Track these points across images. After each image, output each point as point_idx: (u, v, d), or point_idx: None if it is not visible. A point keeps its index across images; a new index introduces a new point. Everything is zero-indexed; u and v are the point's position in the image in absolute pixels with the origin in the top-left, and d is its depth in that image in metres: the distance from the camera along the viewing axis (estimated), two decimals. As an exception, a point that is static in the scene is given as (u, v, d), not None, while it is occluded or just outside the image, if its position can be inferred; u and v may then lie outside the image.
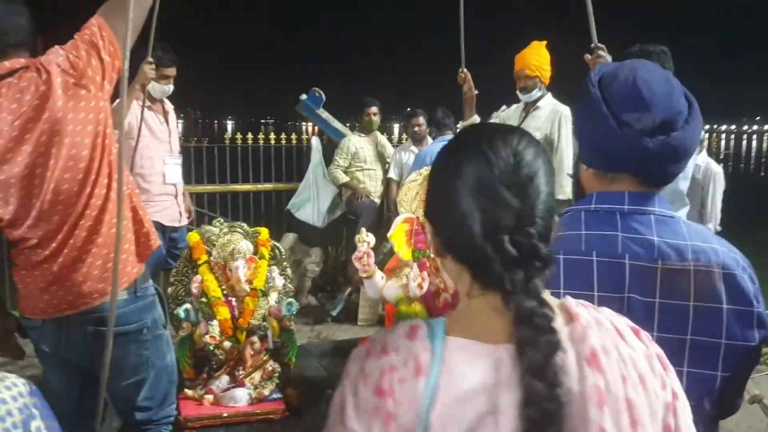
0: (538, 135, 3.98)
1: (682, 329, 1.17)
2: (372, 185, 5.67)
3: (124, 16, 1.84)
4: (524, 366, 0.78)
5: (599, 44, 2.73)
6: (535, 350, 0.78)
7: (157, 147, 3.96)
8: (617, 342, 0.85)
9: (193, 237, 3.57)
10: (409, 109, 5.93)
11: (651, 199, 1.23)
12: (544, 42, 4.08)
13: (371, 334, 3.04)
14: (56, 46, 1.87)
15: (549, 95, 4.14)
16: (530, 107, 4.14)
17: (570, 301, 0.89)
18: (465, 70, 4.06)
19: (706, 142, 4.59)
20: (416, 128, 5.59)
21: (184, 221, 4.26)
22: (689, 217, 4.28)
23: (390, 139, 6.32)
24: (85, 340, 1.93)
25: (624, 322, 0.90)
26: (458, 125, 4.69)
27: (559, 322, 0.84)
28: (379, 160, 5.74)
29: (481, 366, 0.81)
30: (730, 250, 1.23)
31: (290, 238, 5.73)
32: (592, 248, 1.18)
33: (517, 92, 4.12)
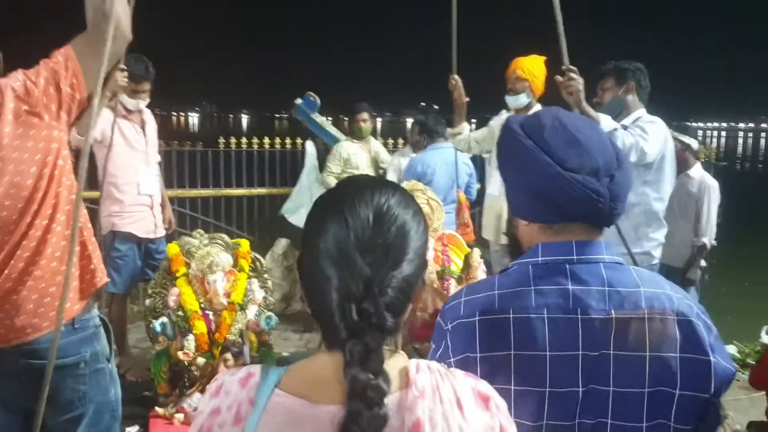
0: None
1: (639, 382, 1.12)
2: None
3: (94, 50, 1.81)
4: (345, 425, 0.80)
5: (571, 66, 2.73)
6: (360, 424, 0.79)
7: (132, 157, 3.89)
8: (449, 413, 0.84)
9: (173, 249, 3.53)
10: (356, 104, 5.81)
11: (599, 246, 1.19)
12: (544, 58, 3.99)
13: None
14: (19, 70, 1.82)
15: (537, 107, 4.04)
16: None
17: (413, 366, 0.88)
18: (456, 77, 3.99)
19: (701, 154, 4.48)
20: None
21: (161, 233, 4.19)
22: (683, 231, 4.21)
23: (386, 144, 6.25)
24: (17, 373, 1.87)
25: (470, 390, 0.88)
26: (448, 131, 4.60)
27: (394, 388, 0.84)
28: (373, 166, 5.66)
29: (296, 423, 0.83)
30: (683, 296, 1.19)
31: (283, 243, 5.69)
32: (543, 304, 1.14)
33: (505, 96, 4.02)
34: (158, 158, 4.37)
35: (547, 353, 1.12)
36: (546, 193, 1.16)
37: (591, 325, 1.12)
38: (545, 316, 1.13)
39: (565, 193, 1.13)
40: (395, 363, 0.88)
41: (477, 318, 1.15)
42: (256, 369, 0.90)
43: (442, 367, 0.90)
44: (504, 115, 4.19)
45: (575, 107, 2.77)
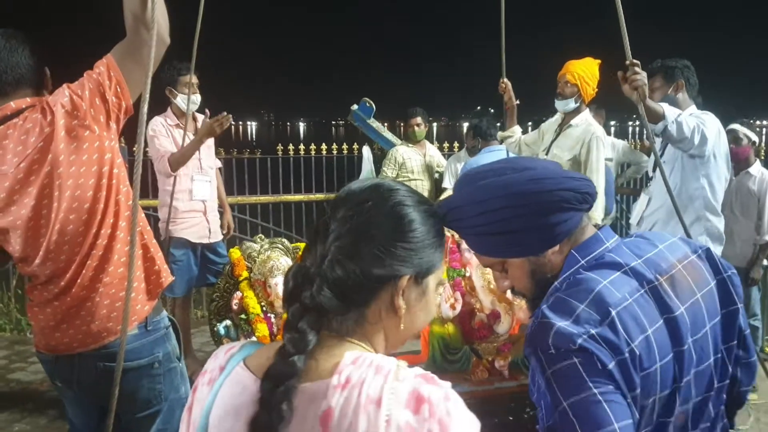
0: (568, 155, 3.87)
1: (702, 322, 1.23)
2: None
3: (135, 57, 1.85)
4: (258, 401, 0.87)
5: (634, 60, 2.64)
6: (269, 400, 0.85)
7: (186, 165, 3.99)
8: (363, 408, 0.83)
9: (235, 253, 3.62)
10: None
11: (609, 229, 1.30)
12: (599, 61, 3.94)
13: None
14: (64, 85, 1.87)
15: (586, 112, 4.00)
16: (564, 124, 4.01)
17: (349, 357, 0.89)
18: (506, 80, 3.98)
19: (761, 150, 4.33)
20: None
21: (216, 237, 4.28)
22: (745, 230, 4.10)
23: (441, 148, 6.27)
24: (97, 376, 1.96)
25: (406, 390, 0.84)
26: (499, 134, 4.60)
27: (318, 375, 0.88)
28: (427, 170, 5.68)
29: (242, 393, 0.90)
30: (682, 236, 1.35)
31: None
32: (624, 293, 1.16)
33: (555, 99, 3.99)
34: (218, 164, 4.49)
35: (650, 332, 1.15)
36: (564, 200, 1.20)
37: (657, 293, 1.19)
38: (631, 301, 1.16)
39: (575, 188, 1.21)
40: (338, 351, 0.91)
41: (594, 331, 1.10)
42: (236, 344, 0.99)
43: (393, 364, 0.88)
44: (555, 118, 4.16)
45: (639, 102, 2.72)
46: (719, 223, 3.34)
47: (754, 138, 4.15)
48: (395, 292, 0.96)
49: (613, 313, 1.11)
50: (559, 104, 3.98)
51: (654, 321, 1.16)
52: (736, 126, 4.08)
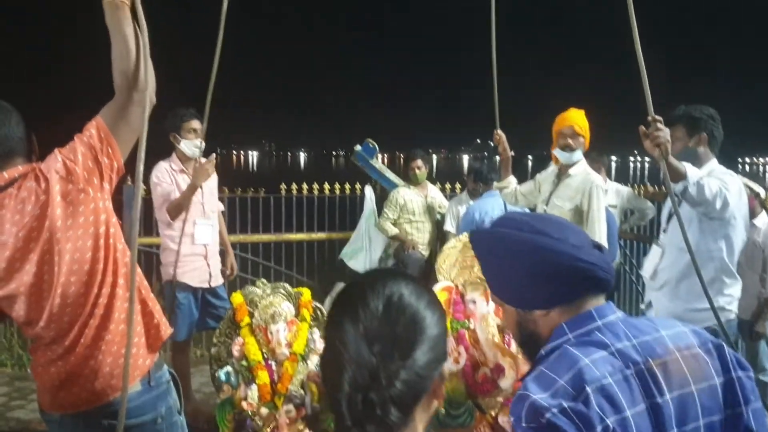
0: (569, 205, 3.84)
1: (694, 415, 1.21)
2: (420, 237, 5.64)
3: (124, 117, 1.87)
4: None
5: (657, 116, 2.60)
6: None
7: (189, 210, 3.99)
8: None
9: (237, 298, 3.60)
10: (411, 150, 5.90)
11: (610, 307, 1.30)
12: (582, 111, 3.96)
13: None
14: (56, 150, 1.88)
15: (583, 161, 3.98)
16: (563, 174, 3.98)
17: None
18: (500, 131, 4.00)
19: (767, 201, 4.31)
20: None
21: (217, 281, 4.28)
22: (750, 282, 4.05)
23: (443, 188, 6.29)
24: None
25: None
26: (494, 184, 4.61)
27: None
28: (428, 212, 5.70)
29: None
30: (694, 328, 1.31)
31: (341, 287, 5.74)
32: (604, 372, 1.18)
33: (558, 151, 3.93)
34: (221, 207, 4.50)
35: (628, 413, 1.15)
36: (568, 273, 1.25)
37: (643, 376, 1.19)
38: (611, 380, 1.17)
39: (586, 266, 1.24)
40: None
41: (566, 405, 1.14)
42: None
43: None
44: (551, 169, 4.13)
45: (660, 160, 2.64)
46: (735, 286, 3.15)
47: (758, 189, 4.17)
48: (436, 386, 0.97)
49: (588, 389, 1.14)
50: (564, 156, 3.91)
51: (635, 403, 1.17)
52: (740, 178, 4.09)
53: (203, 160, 4.03)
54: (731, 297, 3.11)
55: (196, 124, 4.02)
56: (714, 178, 2.97)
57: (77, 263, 1.86)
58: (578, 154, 3.91)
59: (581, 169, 3.94)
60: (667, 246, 3.28)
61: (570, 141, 3.86)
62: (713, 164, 3.16)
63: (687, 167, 2.81)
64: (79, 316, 1.89)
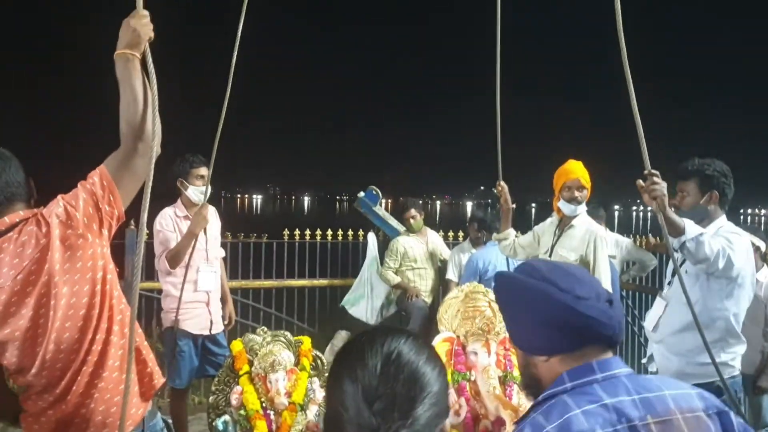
0: (573, 256, 3.83)
1: None
2: (423, 284, 5.64)
3: (127, 167, 1.92)
4: None
5: (653, 170, 2.63)
6: None
7: (192, 257, 3.97)
8: None
9: (236, 346, 3.58)
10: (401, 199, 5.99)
11: (616, 361, 1.31)
12: (579, 161, 3.99)
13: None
14: (58, 196, 1.92)
15: (584, 213, 3.98)
16: (565, 225, 3.97)
17: None
18: (502, 183, 4.03)
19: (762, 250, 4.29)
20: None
21: (218, 329, 4.24)
22: (752, 336, 3.99)
23: (445, 237, 6.30)
24: None
25: None
26: (494, 236, 4.62)
27: None
28: (430, 258, 5.71)
29: None
30: (702, 391, 1.30)
31: (343, 335, 5.70)
32: (593, 425, 1.19)
33: (563, 203, 3.93)
34: (222, 253, 4.50)
35: None
36: (565, 323, 1.28)
37: None
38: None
39: (583, 319, 1.26)
40: None
41: None
42: None
43: None
44: (550, 220, 4.14)
45: (658, 212, 2.65)
46: (740, 345, 3.07)
47: (759, 243, 4.16)
48: None
49: None
50: (569, 208, 3.90)
51: None
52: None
53: (210, 207, 4.07)
54: (735, 354, 3.04)
55: (203, 171, 4.05)
56: (720, 236, 2.93)
57: (73, 308, 1.86)
58: (583, 207, 3.92)
59: (584, 219, 3.95)
60: (671, 300, 3.22)
61: (576, 194, 3.85)
62: (721, 221, 3.10)
63: (686, 223, 2.79)
64: (72, 363, 1.88)
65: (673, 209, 2.97)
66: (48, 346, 1.85)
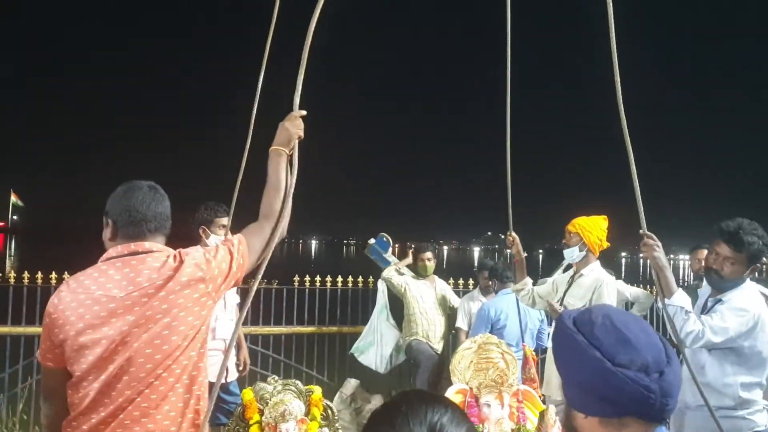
0: (579, 303, 3.95)
1: None
2: (432, 330, 5.56)
3: (260, 239, 2.17)
4: None
5: (648, 233, 2.69)
6: None
7: None
8: None
9: (247, 395, 3.56)
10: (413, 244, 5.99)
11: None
12: (604, 217, 4.12)
13: None
14: (198, 246, 2.10)
15: (597, 264, 4.15)
16: (576, 275, 4.15)
17: None
18: (513, 234, 4.10)
19: None
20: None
21: (231, 377, 4.24)
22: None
23: (456, 286, 6.29)
24: None
25: None
26: (511, 286, 4.64)
27: None
28: (441, 305, 5.68)
29: None
30: None
31: (352, 384, 5.65)
32: None
33: (563, 250, 4.20)
34: (237, 299, 4.51)
35: None
36: (598, 388, 1.21)
37: None
38: None
39: (617, 388, 1.18)
40: None
41: None
42: None
43: None
44: (570, 272, 4.28)
45: (655, 271, 2.71)
46: (757, 403, 2.96)
47: (766, 292, 4.13)
48: None
49: None
50: (566, 253, 4.17)
51: None
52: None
53: None
54: (754, 408, 2.97)
55: (226, 220, 4.11)
56: (716, 310, 2.91)
57: (161, 338, 1.93)
58: (575, 251, 4.08)
59: (593, 268, 4.11)
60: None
61: (568, 239, 4.13)
62: (740, 289, 3.01)
63: (677, 294, 2.78)
64: (131, 390, 1.91)
65: (715, 276, 2.98)
66: (119, 362, 1.90)
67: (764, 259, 3.03)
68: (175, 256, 2.02)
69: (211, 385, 4.02)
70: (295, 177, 2.23)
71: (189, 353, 1.99)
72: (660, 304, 2.78)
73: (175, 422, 1.97)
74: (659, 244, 2.72)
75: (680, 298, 2.79)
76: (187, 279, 1.97)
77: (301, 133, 2.25)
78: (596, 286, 3.98)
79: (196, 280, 1.99)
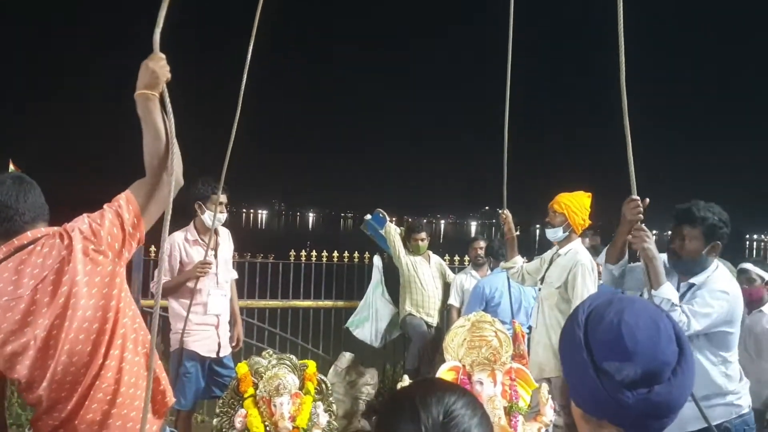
0: (556, 283, 3.98)
1: None
2: (428, 302, 5.58)
3: (152, 194, 2.06)
4: None
5: (641, 226, 2.70)
6: None
7: (202, 282, 4.03)
8: None
9: (242, 368, 3.59)
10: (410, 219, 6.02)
11: None
12: (589, 194, 4.08)
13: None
14: (84, 214, 2.03)
15: (576, 242, 4.13)
16: (555, 254, 4.14)
17: None
18: (506, 211, 4.10)
19: None
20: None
21: (225, 351, 4.26)
22: (760, 371, 3.98)
23: (451, 262, 6.30)
24: None
25: None
26: (501, 264, 4.65)
27: None
28: (437, 278, 5.70)
29: None
30: None
31: (347, 357, 5.69)
32: None
33: (545, 229, 4.14)
34: (234, 275, 4.51)
35: None
36: (577, 386, 1.19)
37: None
38: None
39: (592, 393, 1.15)
40: None
41: None
42: None
43: None
44: (554, 248, 4.25)
45: (644, 262, 2.71)
46: (742, 384, 3.02)
47: (764, 275, 4.16)
48: None
49: None
50: (548, 233, 4.12)
51: None
52: (748, 266, 4.10)
53: (223, 230, 4.12)
54: (739, 393, 3.00)
55: (223, 198, 4.08)
56: (697, 293, 2.92)
57: (88, 321, 1.92)
58: (559, 232, 4.08)
59: (571, 248, 4.09)
60: None
61: (552, 219, 4.09)
62: (711, 269, 3.02)
63: (664, 286, 2.79)
64: (83, 377, 1.92)
65: (676, 258, 2.99)
66: (60, 358, 1.89)
67: (722, 238, 2.97)
68: (61, 235, 1.96)
69: (202, 358, 4.10)
70: (172, 119, 2.02)
71: (122, 321, 1.99)
72: (647, 295, 2.78)
73: (137, 386, 2.00)
74: (650, 235, 2.72)
75: (667, 290, 2.80)
76: (81, 255, 1.93)
77: (168, 74, 2.03)
78: (571, 266, 3.97)
79: (92, 253, 1.95)
